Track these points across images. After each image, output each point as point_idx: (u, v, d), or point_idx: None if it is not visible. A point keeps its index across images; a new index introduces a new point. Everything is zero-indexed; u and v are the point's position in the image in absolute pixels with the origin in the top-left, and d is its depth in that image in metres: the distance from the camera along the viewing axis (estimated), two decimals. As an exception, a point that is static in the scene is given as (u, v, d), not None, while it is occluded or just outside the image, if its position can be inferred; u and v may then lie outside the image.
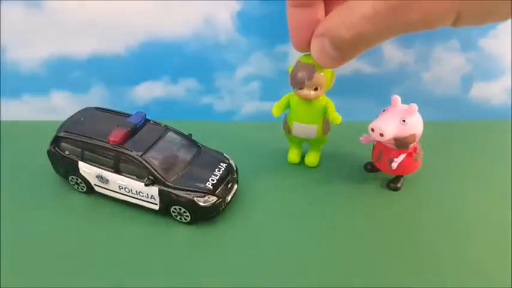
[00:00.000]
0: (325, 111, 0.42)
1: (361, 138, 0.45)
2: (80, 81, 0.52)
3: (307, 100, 0.41)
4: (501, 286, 0.34)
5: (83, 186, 0.42)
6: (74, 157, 0.41)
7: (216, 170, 0.40)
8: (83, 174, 0.41)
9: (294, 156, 0.48)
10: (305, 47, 0.30)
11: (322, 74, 0.38)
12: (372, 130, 0.39)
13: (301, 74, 0.38)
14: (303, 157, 0.48)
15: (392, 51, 0.52)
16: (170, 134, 0.42)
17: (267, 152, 0.49)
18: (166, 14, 0.48)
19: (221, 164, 0.41)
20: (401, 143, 0.40)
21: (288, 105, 0.43)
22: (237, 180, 0.43)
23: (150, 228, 0.39)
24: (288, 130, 0.45)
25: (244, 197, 0.43)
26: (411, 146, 0.41)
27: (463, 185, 0.45)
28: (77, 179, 0.42)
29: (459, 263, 0.36)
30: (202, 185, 0.38)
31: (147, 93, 0.53)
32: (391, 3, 0.22)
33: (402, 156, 0.41)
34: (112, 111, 0.44)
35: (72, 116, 0.44)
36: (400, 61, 0.53)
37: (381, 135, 0.39)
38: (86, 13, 0.47)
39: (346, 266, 0.36)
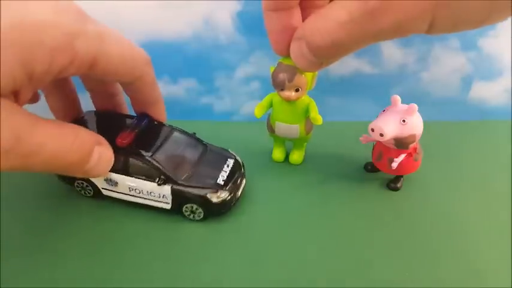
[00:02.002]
0: (307, 111, 0.43)
1: (361, 138, 0.45)
2: (80, 81, 0.52)
3: (289, 101, 0.41)
4: (501, 286, 0.34)
5: (90, 191, 0.42)
6: None
7: (225, 166, 0.41)
8: (91, 178, 0.41)
9: (278, 154, 0.48)
10: (284, 50, 0.31)
11: (302, 75, 0.38)
12: (372, 130, 0.39)
13: (282, 76, 0.39)
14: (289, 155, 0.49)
15: (392, 51, 0.52)
16: (176, 134, 0.42)
17: (267, 152, 0.49)
18: (166, 14, 0.48)
19: (228, 160, 0.42)
20: (401, 143, 0.40)
21: (270, 105, 0.44)
22: (245, 175, 0.43)
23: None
24: (271, 130, 0.46)
25: (245, 196, 0.43)
26: (411, 146, 0.41)
27: (463, 185, 0.45)
28: (84, 184, 0.42)
29: (459, 262, 0.36)
30: (213, 182, 0.39)
31: (147, 93, 0.53)
32: (366, 9, 0.22)
33: (402, 156, 0.41)
34: (114, 113, 0.44)
35: (76, 119, 0.44)
36: (399, 61, 0.53)
37: (381, 135, 0.39)
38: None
39: (346, 266, 0.36)
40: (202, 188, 0.38)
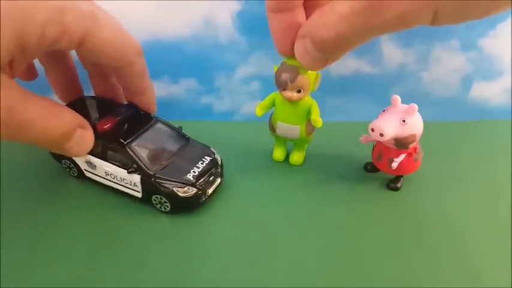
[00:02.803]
0: (309, 113, 0.43)
1: (361, 138, 0.45)
2: (80, 82, 0.52)
3: (291, 101, 0.41)
4: (501, 286, 0.34)
5: (74, 171, 0.44)
6: None
7: (200, 162, 0.41)
8: (74, 158, 0.43)
9: (278, 154, 0.48)
10: (288, 51, 0.31)
11: (305, 76, 0.39)
12: (372, 130, 0.39)
13: (284, 76, 0.39)
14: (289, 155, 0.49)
15: (392, 51, 0.52)
16: (159, 125, 0.43)
17: (267, 152, 0.49)
18: (166, 14, 0.48)
19: (206, 157, 0.42)
20: (401, 143, 0.40)
21: (272, 105, 0.44)
22: (222, 174, 0.44)
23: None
24: (272, 129, 0.46)
25: (241, 196, 0.43)
26: (411, 146, 0.41)
27: (463, 185, 0.45)
28: (69, 163, 0.44)
29: (459, 262, 0.36)
30: (183, 176, 0.40)
31: (147, 93, 0.53)
32: (368, 2, 0.22)
33: (402, 156, 0.41)
34: (106, 100, 0.45)
35: (68, 103, 0.45)
36: (400, 61, 0.53)
37: (381, 135, 0.39)
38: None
39: (346, 266, 0.36)
40: (171, 181, 0.39)
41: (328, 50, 0.27)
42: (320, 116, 0.42)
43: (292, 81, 0.38)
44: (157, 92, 0.53)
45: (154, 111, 0.44)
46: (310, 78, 0.39)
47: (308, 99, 0.42)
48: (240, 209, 0.42)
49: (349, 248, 0.38)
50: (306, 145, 0.48)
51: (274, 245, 0.38)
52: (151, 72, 0.52)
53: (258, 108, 0.43)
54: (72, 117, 0.34)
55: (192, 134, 0.45)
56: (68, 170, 0.45)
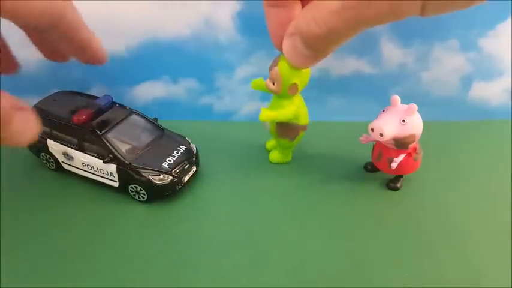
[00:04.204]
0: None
1: (361, 138, 0.45)
2: (80, 81, 0.52)
3: (270, 91, 0.42)
4: (501, 286, 0.34)
5: (52, 164, 0.45)
6: (44, 135, 0.43)
7: (175, 151, 0.43)
8: (51, 151, 0.44)
9: (269, 143, 0.49)
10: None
11: (277, 69, 0.39)
12: (372, 130, 0.39)
13: (270, 65, 0.40)
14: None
15: (392, 51, 0.52)
16: (134, 117, 0.44)
17: (266, 152, 0.49)
18: (166, 14, 0.48)
19: (181, 146, 0.43)
20: (401, 143, 0.40)
21: (261, 87, 0.44)
22: (197, 163, 0.44)
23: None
24: None
25: (245, 196, 0.43)
26: (411, 146, 0.41)
27: (462, 184, 0.45)
28: (47, 157, 0.44)
29: (459, 262, 0.36)
30: (158, 165, 0.41)
31: (147, 93, 0.54)
32: None
33: (402, 156, 0.41)
34: (83, 94, 0.46)
35: (45, 97, 0.46)
36: (399, 61, 0.53)
37: (381, 135, 0.39)
38: (86, 13, 0.47)
39: (345, 266, 0.36)
40: (147, 169, 0.40)
41: (319, 45, 0.27)
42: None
43: (270, 69, 0.40)
44: (157, 92, 0.54)
45: (105, 58, 0.43)
46: (283, 74, 0.39)
47: (295, 100, 0.42)
48: (240, 208, 0.42)
49: (348, 247, 0.38)
50: (289, 148, 0.47)
51: (273, 243, 0.38)
52: (151, 72, 0.52)
53: (253, 84, 0.45)
54: (5, 100, 0.33)
55: (192, 134, 0.45)
56: (46, 163, 0.45)
